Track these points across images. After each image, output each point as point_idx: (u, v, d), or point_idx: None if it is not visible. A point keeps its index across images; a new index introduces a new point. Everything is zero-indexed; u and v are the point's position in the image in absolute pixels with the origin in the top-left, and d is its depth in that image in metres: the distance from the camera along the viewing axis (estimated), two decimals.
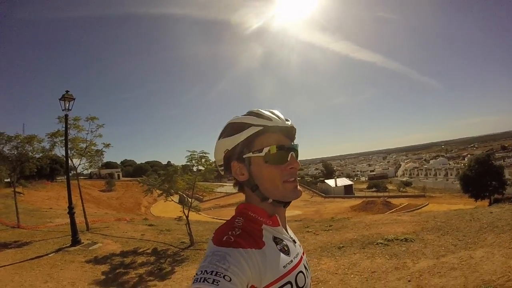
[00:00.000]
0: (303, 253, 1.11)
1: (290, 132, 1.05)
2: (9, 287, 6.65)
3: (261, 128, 0.99)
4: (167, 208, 24.29)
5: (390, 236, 7.68)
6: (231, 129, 1.03)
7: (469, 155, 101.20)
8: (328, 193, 61.90)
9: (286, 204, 1.04)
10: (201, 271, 0.79)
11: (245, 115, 1.04)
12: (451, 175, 74.29)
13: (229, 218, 1.05)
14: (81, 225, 13.00)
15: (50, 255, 9.06)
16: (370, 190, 65.48)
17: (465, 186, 39.66)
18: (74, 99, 11.49)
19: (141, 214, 33.99)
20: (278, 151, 0.99)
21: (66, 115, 11.42)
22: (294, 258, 1.01)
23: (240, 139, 1.00)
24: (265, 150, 0.98)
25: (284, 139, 1.02)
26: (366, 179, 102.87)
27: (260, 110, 1.03)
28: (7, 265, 8.10)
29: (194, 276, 0.80)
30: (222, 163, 1.08)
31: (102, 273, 7.56)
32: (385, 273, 5.61)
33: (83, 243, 10.37)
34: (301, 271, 1.00)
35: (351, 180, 79.24)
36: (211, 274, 0.78)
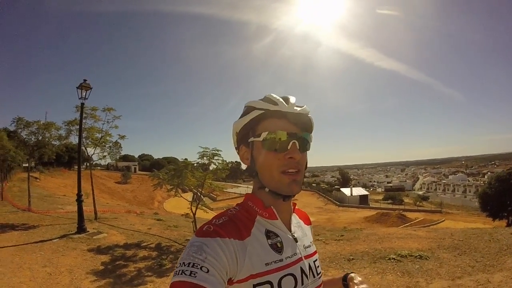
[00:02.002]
0: (310, 256, 1.03)
1: (298, 120, 0.95)
2: (7, 268, 6.69)
3: (263, 112, 0.95)
4: (180, 205, 24.32)
5: (404, 251, 7.29)
6: (243, 112, 1.01)
7: (489, 173, 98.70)
8: (342, 201, 61.46)
9: (285, 197, 0.95)
10: (180, 264, 0.78)
11: (260, 99, 0.98)
12: (470, 192, 72.79)
13: None
14: (90, 214, 13.13)
15: (53, 241, 9.12)
16: (386, 201, 64.48)
17: (484, 204, 38.58)
18: (91, 88, 11.62)
19: (153, 209, 34.21)
20: (276, 137, 0.92)
21: (82, 104, 11.59)
22: (287, 258, 0.93)
23: (244, 122, 0.98)
24: (264, 134, 0.93)
25: (290, 126, 0.94)
26: (383, 190, 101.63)
27: (272, 94, 0.97)
28: (10, 246, 8.22)
29: (175, 269, 0.79)
30: (236, 145, 1.06)
31: (101, 263, 7.53)
32: None
33: (88, 231, 10.42)
34: (291, 274, 0.91)
35: (367, 190, 78.62)
36: (189, 266, 0.77)
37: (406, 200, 67.62)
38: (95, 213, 13.42)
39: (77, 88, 11.38)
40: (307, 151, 1.00)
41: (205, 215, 15.65)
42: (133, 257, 8.30)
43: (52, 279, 6.23)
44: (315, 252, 1.07)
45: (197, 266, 0.76)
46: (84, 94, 11.47)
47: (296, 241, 1.00)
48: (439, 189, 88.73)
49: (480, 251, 6.99)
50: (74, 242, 9.16)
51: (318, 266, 1.04)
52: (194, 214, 10.58)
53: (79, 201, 10.68)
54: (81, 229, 10.25)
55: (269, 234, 0.95)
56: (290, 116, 0.94)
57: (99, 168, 62.46)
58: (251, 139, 0.97)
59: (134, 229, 11.95)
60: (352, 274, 1.11)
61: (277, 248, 0.93)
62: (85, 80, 11.46)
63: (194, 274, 0.74)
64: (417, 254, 7.01)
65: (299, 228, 1.08)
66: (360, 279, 1.06)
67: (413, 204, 62.28)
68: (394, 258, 6.90)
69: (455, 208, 59.68)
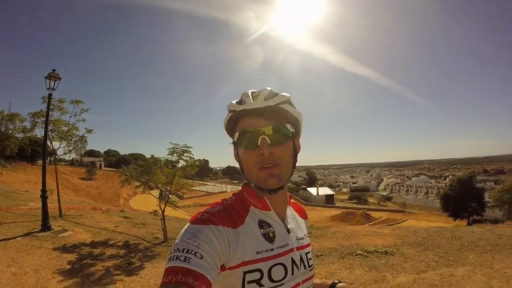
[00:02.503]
0: (302, 248, 1.06)
1: (268, 113, 0.95)
2: None
3: (232, 114, 0.99)
4: (146, 202, 23.90)
5: (370, 248, 7.54)
6: None
7: (451, 176, 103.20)
8: (309, 201, 62.13)
9: (270, 191, 0.96)
10: (174, 250, 0.80)
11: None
12: (432, 193, 75.70)
13: None
14: (54, 211, 12.67)
15: (17, 239, 8.72)
16: (351, 201, 65.94)
17: (445, 205, 40.65)
18: (60, 78, 11.18)
19: (119, 206, 33.43)
20: (243, 135, 0.96)
21: (50, 94, 11.12)
22: (278, 247, 0.96)
23: (224, 125, 1.03)
24: (236, 135, 0.98)
25: (259, 121, 0.94)
26: (348, 190, 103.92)
27: (246, 91, 0.99)
28: None
29: (169, 255, 0.81)
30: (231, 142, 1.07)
31: (68, 262, 7.30)
32: (364, 285, 5.51)
33: (53, 229, 10.03)
34: (281, 264, 0.94)
35: (333, 190, 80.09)
36: (183, 252, 0.78)
37: (370, 200, 69.37)
38: (60, 210, 12.94)
39: (45, 78, 10.91)
40: (292, 140, 1.00)
41: (174, 212, 15.57)
42: (100, 255, 8.12)
43: (17, 280, 5.99)
44: (308, 245, 1.11)
45: (191, 252, 0.78)
46: (52, 84, 11.01)
47: (289, 232, 1.03)
48: (402, 190, 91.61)
49: (443, 247, 7.34)
50: (38, 240, 8.81)
51: (310, 259, 1.07)
52: (163, 212, 10.46)
53: (44, 197, 10.25)
54: (45, 226, 9.85)
55: (262, 223, 0.98)
56: (257, 111, 0.95)
57: (63, 163, 60.24)
58: (233, 139, 1.01)
59: (101, 227, 11.64)
60: (341, 284, 1.15)
61: (269, 237, 0.96)
62: (54, 70, 11.00)
63: (188, 260, 0.76)
64: (383, 250, 7.29)
65: (293, 220, 1.11)
66: None
67: (377, 204, 64.03)
68: (361, 254, 7.15)
69: (418, 208, 61.73)
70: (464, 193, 38.33)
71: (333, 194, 69.53)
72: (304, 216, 1.23)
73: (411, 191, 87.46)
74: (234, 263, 0.86)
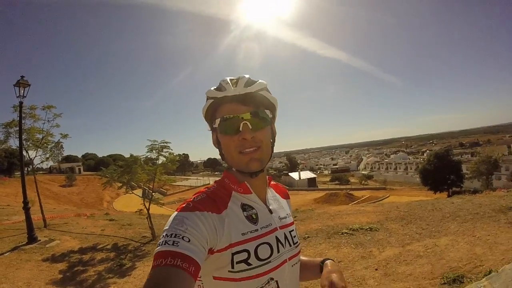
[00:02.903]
0: (286, 226, 1.11)
1: (248, 99, 1.01)
2: None
3: (212, 100, 1.03)
4: (130, 203, 23.73)
5: (355, 226, 7.76)
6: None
7: (428, 151, 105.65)
8: (292, 185, 62.71)
9: (251, 174, 1.02)
10: (163, 235, 0.84)
11: (215, 86, 1.05)
12: (411, 169, 77.19)
13: None
14: (39, 221, 12.47)
15: (5, 255, 8.64)
16: (333, 183, 67.16)
17: (425, 179, 41.79)
18: (29, 85, 10.94)
19: (103, 209, 32.97)
20: (225, 122, 1.00)
21: (21, 102, 10.87)
22: (262, 228, 1.02)
23: (203, 111, 1.06)
24: (217, 121, 1.02)
25: (239, 108, 1.00)
26: (329, 172, 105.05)
27: (225, 78, 1.03)
28: None
29: (158, 242, 0.85)
30: (209, 128, 1.11)
31: (59, 272, 7.34)
32: (352, 262, 5.70)
33: (40, 240, 9.95)
34: (266, 243, 1.00)
35: (315, 173, 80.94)
36: (171, 236, 0.82)
37: (352, 180, 70.75)
38: (44, 220, 12.71)
39: (14, 85, 10.65)
40: (270, 125, 1.06)
41: (159, 210, 15.49)
42: (91, 261, 8.17)
43: None
44: (291, 223, 1.15)
45: (179, 236, 0.82)
46: (22, 92, 10.75)
47: (271, 213, 1.09)
48: (382, 168, 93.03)
49: (425, 219, 7.60)
50: (27, 253, 8.75)
51: (294, 236, 1.12)
52: (148, 210, 10.46)
53: (26, 209, 10.14)
54: (32, 238, 9.76)
55: (244, 207, 1.03)
56: (238, 98, 0.99)
57: (41, 172, 58.72)
58: (213, 125, 1.05)
59: (87, 232, 11.57)
60: (329, 261, 1.18)
61: (252, 219, 1.02)
62: (22, 77, 10.74)
63: (177, 244, 0.80)
64: (368, 227, 7.54)
65: (275, 201, 1.16)
66: (332, 268, 1.11)
67: (359, 183, 65.34)
68: (346, 233, 7.37)
69: (398, 184, 63.07)
70: (442, 167, 39.52)
71: (315, 177, 70.53)
72: (286, 196, 1.28)
73: (390, 168, 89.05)
74: (221, 246, 0.92)
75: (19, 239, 10.15)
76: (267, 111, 1.04)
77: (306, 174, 70.25)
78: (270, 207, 1.11)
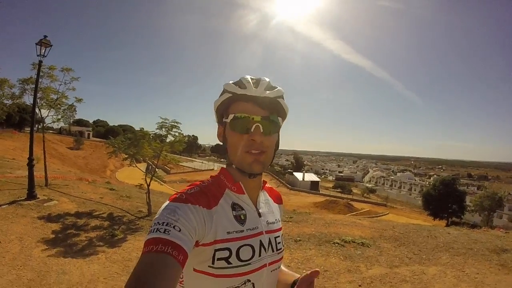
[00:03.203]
0: (272, 232, 1.12)
1: (265, 103, 1.02)
2: None
3: (231, 95, 1.03)
4: (133, 175, 23.85)
5: (348, 237, 7.68)
6: (221, 92, 1.08)
7: (435, 175, 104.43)
8: (294, 185, 62.73)
9: (250, 175, 1.04)
10: (154, 223, 0.87)
11: (235, 81, 1.06)
12: (415, 190, 76.71)
13: None
14: (41, 179, 12.65)
15: (2, 207, 8.79)
16: (335, 190, 66.69)
17: (427, 203, 41.40)
18: (51, 45, 11.02)
19: (105, 177, 33.28)
20: (239, 120, 1.01)
21: (40, 61, 11.02)
22: (247, 229, 1.04)
23: (218, 103, 1.07)
24: (231, 116, 1.02)
25: (256, 109, 1.01)
26: (334, 178, 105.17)
27: (246, 76, 1.04)
28: None
29: (149, 228, 0.87)
30: (217, 122, 1.13)
31: (52, 232, 7.44)
32: (337, 273, 5.66)
33: (38, 198, 10.12)
34: (249, 245, 1.02)
35: (319, 177, 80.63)
36: (163, 225, 0.85)
37: (354, 190, 70.39)
38: (46, 179, 12.92)
39: (36, 44, 10.73)
40: (277, 133, 1.08)
41: (160, 187, 15.57)
42: (84, 226, 8.25)
43: (1, 247, 6.10)
44: (279, 229, 1.17)
45: (170, 225, 0.85)
46: (43, 51, 10.84)
47: (260, 216, 1.11)
48: (387, 184, 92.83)
49: (418, 245, 7.45)
50: (24, 208, 8.90)
51: (279, 243, 1.13)
52: (148, 186, 10.53)
53: (30, 165, 10.28)
54: (31, 195, 9.93)
55: (234, 206, 1.05)
56: (257, 99, 1.01)
57: (51, 131, 59.47)
58: (224, 119, 1.06)
59: (86, 198, 11.72)
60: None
61: (240, 220, 1.04)
62: (45, 36, 10.83)
63: (168, 232, 0.83)
64: (360, 241, 7.42)
65: (266, 205, 1.18)
66: None
67: (360, 195, 64.68)
68: (338, 243, 7.28)
69: (400, 203, 62.51)
70: (446, 194, 39.09)
71: (319, 181, 70.28)
72: (279, 201, 1.29)
73: (395, 186, 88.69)
74: (207, 241, 0.95)
75: (19, 194, 10.31)
76: (279, 118, 1.07)
77: (310, 177, 69.95)
78: (260, 211, 1.13)
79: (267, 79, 1.05)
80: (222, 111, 1.08)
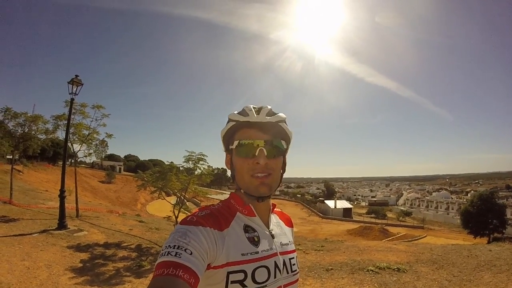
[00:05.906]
0: (286, 253, 1.12)
1: (268, 128, 1.07)
2: None
3: (234, 123, 1.08)
4: (163, 208, 24.08)
5: (382, 264, 7.32)
6: (226, 121, 1.13)
7: (472, 191, 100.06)
8: (326, 213, 61.66)
9: (258, 198, 1.06)
10: (165, 246, 0.87)
11: (238, 111, 1.11)
12: (453, 209, 73.47)
13: None
14: (72, 211, 12.97)
15: (33, 235, 9.00)
16: (369, 215, 64.72)
17: (466, 221, 39.10)
18: (82, 84, 11.63)
19: (136, 210, 33.78)
20: (244, 145, 1.05)
21: (72, 99, 11.59)
22: (262, 251, 1.03)
23: (223, 132, 1.12)
24: (235, 143, 1.08)
25: (259, 134, 1.06)
26: (366, 204, 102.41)
27: (248, 106, 1.10)
28: None
29: (160, 252, 0.87)
30: (224, 151, 1.18)
31: (80, 261, 7.46)
32: None
33: (69, 228, 10.30)
34: (265, 266, 1.00)
35: (351, 204, 79.03)
36: (174, 248, 0.85)
37: (389, 215, 67.99)
38: (77, 210, 13.25)
39: (68, 83, 11.36)
40: (283, 155, 1.12)
41: None
42: (112, 256, 8.25)
43: (30, 273, 6.15)
44: (292, 251, 1.17)
45: (181, 248, 0.85)
46: (74, 89, 11.45)
47: (273, 237, 1.11)
48: (422, 205, 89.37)
49: (458, 266, 7.08)
50: (54, 238, 9.05)
51: (294, 264, 1.13)
52: (176, 217, 10.54)
53: (62, 197, 10.55)
54: (62, 225, 10.13)
55: (247, 228, 1.06)
56: (259, 125, 1.06)
57: (83, 165, 61.48)
58: (230, 147, 1.11)
59: (115, 229, 11.85)
60: None
61: (254, 241, 1.03)
62: (76, 76, 11.44)
63: (179, 255, 0.83)
64: (395, 267, 7.04)
65: (278, 227, 1.18)
66: None
67: (396, 219, 62.56)
68: (372, 270, 6.92)
69: (437, 224, 60.03)
70: (485, 210, 36.91)
71: (351, 208, 68.69)
72: (289, 224, 1.30)
73: (431, 206, 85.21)
74: (218, 263, 0.93)
75: (50, 224, 10.55)
76: (283, 142, 1.11)
77: (342, 204, 68.52)
78: (273, 232, 1.13)
79: (269, 107, 1.10)
80: (228, 139, 1.13)
